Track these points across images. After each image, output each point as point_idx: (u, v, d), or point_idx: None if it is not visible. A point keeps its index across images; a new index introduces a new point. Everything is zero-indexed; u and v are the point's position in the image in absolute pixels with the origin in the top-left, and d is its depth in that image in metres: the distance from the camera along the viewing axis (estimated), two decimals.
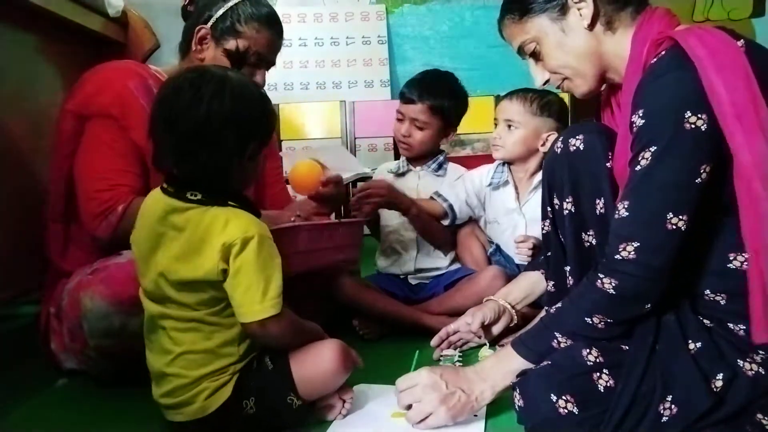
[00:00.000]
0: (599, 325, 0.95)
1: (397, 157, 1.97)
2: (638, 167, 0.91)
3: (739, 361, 0.91)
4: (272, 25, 1.40)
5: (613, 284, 0.93)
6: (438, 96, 1.65)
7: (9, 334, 1.72)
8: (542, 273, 1.32)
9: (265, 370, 1.00)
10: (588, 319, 0.96)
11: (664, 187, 0.89)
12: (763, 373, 0.90)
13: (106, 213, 1.25)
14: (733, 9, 3.35)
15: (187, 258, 0.95)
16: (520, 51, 1.11)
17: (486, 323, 1.35)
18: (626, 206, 0.93)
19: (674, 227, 0.89)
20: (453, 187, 1.72)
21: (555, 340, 0.99)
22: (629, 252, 0.91)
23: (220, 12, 1.37)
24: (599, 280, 0.94)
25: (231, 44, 1.37)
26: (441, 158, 1.75)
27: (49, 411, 1.18)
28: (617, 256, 0.93)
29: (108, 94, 1.31)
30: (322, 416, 1.06)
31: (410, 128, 1.67)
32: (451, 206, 1.68)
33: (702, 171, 0.88)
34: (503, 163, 1.73)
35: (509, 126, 1.65)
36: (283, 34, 1.45)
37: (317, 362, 1.02)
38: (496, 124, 1.71)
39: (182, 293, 0.97)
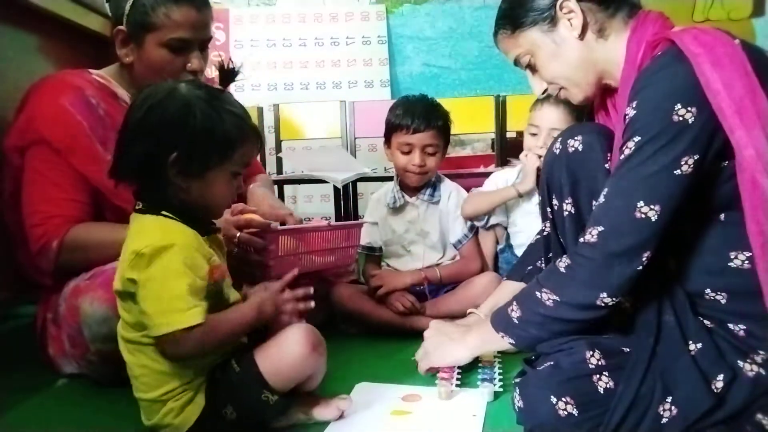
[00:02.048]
0: (547, 302, 0.97)
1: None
2: (621, 156, 0.92)
3: (739, 361, 0.91)
4: (182, 0, 1.27)
5: (565, 264, 0.96)
6: (439, 117, 1.64)
7: (9, 334, 1.72)
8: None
9: (232, 373, 0.98)
10: (538, 293, 0.98)
11: (638, 175, 0.90)
12: (763, 373, 0.89)
13: (43, 251, 1.22)
14: (733, 9, 3.35)
15: (119, 268, 0.96)
16: (517, 63, 1.12)
17: None
18: (604, 193, 0.94)
19: (643, 216, 0.89)
20: (457, 219, 1.69)
21: (510, 307, 1.03)
22: (592, 236, 0.93)
23: (128, 7, 1.27)
24: (559, 260, 0.98)
25: (150, 41, 1.27)
26: (433, 179, 1.71)
27: (48, 411, 1.18)
28: (581, 239, 0.95)
29: (41, 117, 1.25)
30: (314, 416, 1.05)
31: (422, 156, 1.63)
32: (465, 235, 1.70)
33: (683, 162, 0.87)
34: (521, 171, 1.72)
35: (554, 136, 1.60)
36: (203, 2, 1.31)
37: (283, 351, 0.99)
38: (533, 133, 1.64)
39: (121, 309, 0.97)
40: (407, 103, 1.67)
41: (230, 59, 1.05)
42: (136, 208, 0.98)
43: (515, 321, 1.02)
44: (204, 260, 0.95)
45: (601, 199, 0.94)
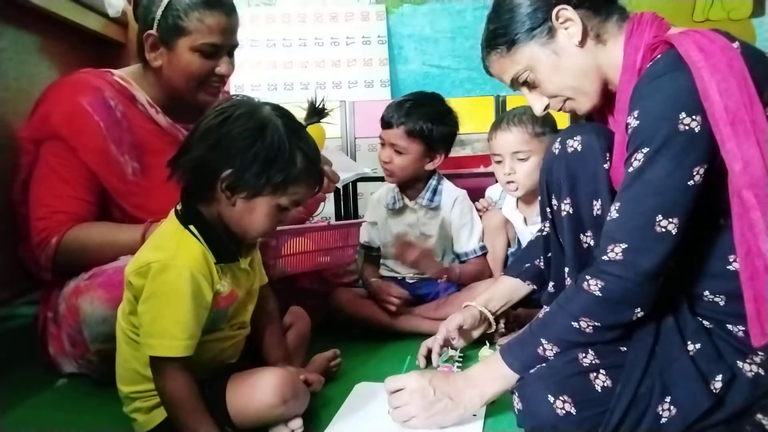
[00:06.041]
0: (587, 330, 0.94)
1: None
2: (630, 168, 0.91)
3: (738, 362, 0.91)
4: (215, 6, 1.29)
5: (599, 286, 0.92)
6: (416, 119, 1.56)
7: (9, 334, 1.72)
8: (528, 284, 1.33)
9: (202, 394, 0.95)
10: (575, 324, 0.94)
11: (654, 188, 0.89)
12: (762, 373, 0.90)
13: (42, 245, 1.23)
14: (733, 9, 3.34)
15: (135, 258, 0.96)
16: (513, 83, 1.10)
17: (465, 327, 1.32)
18: (617, 208, 0.93)
19: (664, 230, 0.88)
20: (462, 229, 1.67)
21: (541, 347, 0.97)
22: (617, 253, 0.91)
23: (160, 12, 1.28)
24: (586, 282, 0.93)
25: (182, 46, 1.29)
26: (433, 183, 1.66)
27: (49, 411, 1.18)
28: (605, 257, 0.92)
29: (58, 113, 1.26)
30: None
31: (390, 153, 1.59)
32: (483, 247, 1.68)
33: (695, 173, 0.87)
34: None
35: (518, 159, 1.55)
36: (233, 9, 1.34)
37: (253, 393, 0.95)
38: (498, 161, 1.59)
39: (125, 294, 0.96)
40: (404, 97, 1.64)
41: (323, 99, 1.06)
42: (177, 208, 0.98)
43: (551, 358, 0.97)
44: (209, 288, 0.93)
45: (614, 213, 0.93)
